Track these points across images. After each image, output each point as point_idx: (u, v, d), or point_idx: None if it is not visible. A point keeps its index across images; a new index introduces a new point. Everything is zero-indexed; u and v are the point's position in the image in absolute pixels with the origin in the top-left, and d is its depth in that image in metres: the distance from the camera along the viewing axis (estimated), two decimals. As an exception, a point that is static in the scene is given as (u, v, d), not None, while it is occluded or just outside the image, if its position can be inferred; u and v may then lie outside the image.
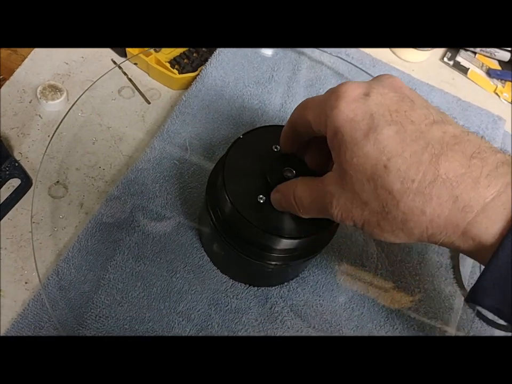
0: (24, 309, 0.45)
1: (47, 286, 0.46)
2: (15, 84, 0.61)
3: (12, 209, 0.51)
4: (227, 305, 0.49)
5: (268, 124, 0.47)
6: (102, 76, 0.59)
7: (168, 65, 0.63)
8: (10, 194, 0.52)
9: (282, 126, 0.41)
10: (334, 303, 0.51)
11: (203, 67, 0.65)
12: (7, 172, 0.53)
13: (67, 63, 0.64)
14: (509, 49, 0.81)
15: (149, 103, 0.62)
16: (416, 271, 0.55)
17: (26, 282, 0.48)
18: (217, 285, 0.50)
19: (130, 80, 0.63)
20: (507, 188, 0.29)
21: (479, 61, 0.82)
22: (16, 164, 0.54)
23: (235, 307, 0.49)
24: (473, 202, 0.29)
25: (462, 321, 0.53)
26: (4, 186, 0.52)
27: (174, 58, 0.65)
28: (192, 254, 0.51)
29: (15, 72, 0.62)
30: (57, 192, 0.53)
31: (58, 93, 0.59)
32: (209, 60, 0.65)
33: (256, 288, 0.50)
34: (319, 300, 0.51)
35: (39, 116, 0.59)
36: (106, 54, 0.66)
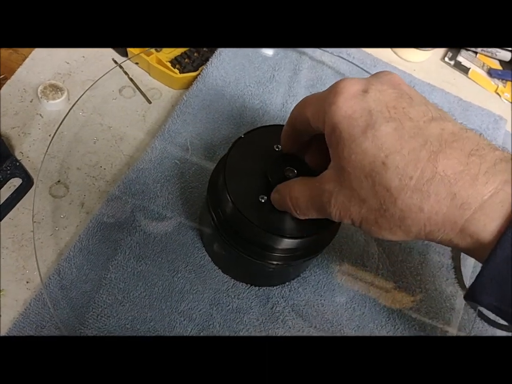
0: (25, 308, 0.45)
1: (49, 286, 0.46)
2: (16, 83, 0.61)
3: (13, 209, 0.51)
4: (228, 305, 0.49)
5: (269, 124, 0.47)
6: (103, 75, 0.59)
7: (169, 64, 0.63)
8: (11, 194, 0.52)
9: (283, 125, 0.41)
10: (335, 303, 0.51)
11: (204, 67, 0.64)
12: (8, 172, 0.53)
13: (68, 63, 0.64)
14: (510, 49, 0.81)
15: (150, 102, 0.62)
16: (418, 271, 0.55)
17: (27, 282, 0.48)
18: (218, 284, 0.50)
19: (131, 79, 0.63)
20: (505, 185, 0.29)
21: (480, 60, 0.82)
22: (17, 164, 0.54)
23: (236, 307, 0.49)
24: (471, 199, 0.29)
25: (463, 322, 0.53)
26: (5, 185, 0.52)
27: (175, 58, 0.64)
28: (193, 253, 0.51)
29: (16, 72, 0.62)
30: (58, 192, 0.53)
31: (59, 92, 0.59)
32: (210, 59, 0.65)
33: (257, 288, 0.50)
34: (320, 300, 0.51)
35: (40, 115, 0.59)
36: (107, 53, 0.66)
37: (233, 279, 0.50)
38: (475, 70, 0.81)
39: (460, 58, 0.81)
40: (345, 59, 0.71)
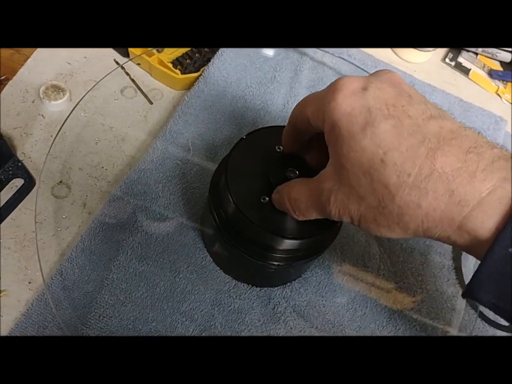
0: (27, 309, 0.45)
1: (51, 286, 0.46)
2: (18, 84, 0.61)
3: (15, 209, 0.51)
4: (230, 306, 0.49)
5: (270, 125, 0.47)
6: (105, 76, 0.59)
7: (170, 65, 0.63)
8: (13, 194, 0.52)
9: (285, 126, 0.42)
10: (336, 304, 0.51)
11: (205, 67, 0.65)
12: (10, 172, 0.53)
13: (70, 63, 0.64)
14: (511, 50, 0.81)
15: (152, 103, 0.62)
16: (419, 272, 0.55)
17: (29, 282, 0.48)
18: (220, 285, 0.50)
19: (132, 80, 0.63)
20: (503, 182, 0.29)
21: (481, 61, 0.83)
22: (19, 164, 0.54)
23: (238, 307, 0.49)
24: (469, 196, 0.29)
25: (464, 322, 0.53)
26: (7, 186, 0.52)
27: (177, 59, 0.65)
28: (195, 254, 0.51)
29: (18, 72, 0.62)
30: (60, 192, 0.53)
31: (61, 92, 0.59)
32: (212, 60, 0.65)
33: (259, 288, 0.50)
34: (322, 300, 0.51)
35: (42, 115, 0.59)
36: (109, 54, 0.66)
37: (234, 280, 0.50)
38: (476, 71, 0.81)
39: (460, 59, 0.81)
40: (346, 60, 0.71)
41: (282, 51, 0.69)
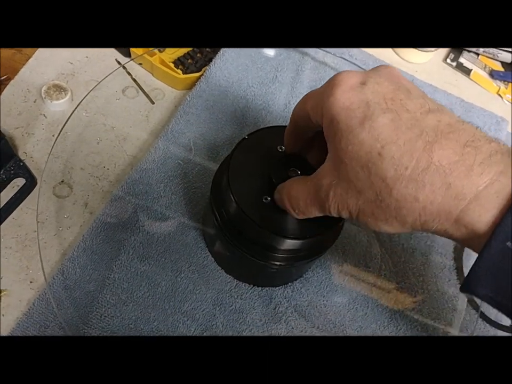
0: (29, 308, 0.45)
1: (52, 286, 0.46)
2: (20, 84, 0.61)
3: (17, 209, 0.51)
4: (231, 305, 0.49)
5: (271, 124, 0.47)
6: (107, 76, 0.59)
7: (172, 65, 0.63)
8: (15, 194, 0.52)
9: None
10: (337, 304, 0.51)
11: (207, 67, 0.65)
12: (12, 171, 0.53)
13: (71, 63, 0.64)
14: (512, 50, 0.82)
15: (153, 103, 0.63)
16: (420, 272, 0.55)
17: (31, 282, 0.48)
18: (221, 285, 0.50)
19: (134, 80, 0.63)
20: (501, 176, 0.29)
21: (482, 62, 0.83)
22: (21, 164, 0.54)
23: (239, 307, 0.49)
24: (466, 189, 0.29)
25: (465, 322, 0.53)
26: (9, 185, 0.52)
27: (178, 59, 0.65)
28: (196, 254, 0.51)
29: (19, 72, 0.62)
30: (61, 192, 0.53)
31: (62, 92, 0.59)
32: (213, 60, 0.65)
33: (260, 288, 0.50)
34: (323, 301, 0.51)
35: (44, 115, 0.59)
36: (111, 54, 0.66)
37: (236, 280, 0.50)
38: (477, 71, 0.81)
39: (461, 59, 0.81)
40: (347, 60, 0.71)
41: (283, 51, 0.70)
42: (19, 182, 0.53)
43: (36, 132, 0.57)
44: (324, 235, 0.42)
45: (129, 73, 0.64)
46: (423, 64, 0.79)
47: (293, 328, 0.49)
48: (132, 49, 0.64)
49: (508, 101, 0.78)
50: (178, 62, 0.64)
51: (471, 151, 0.29)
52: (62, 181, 0.54)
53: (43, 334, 0.44)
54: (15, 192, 0.52)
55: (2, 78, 0.60)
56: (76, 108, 0.56)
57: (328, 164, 0.34)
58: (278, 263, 0.44)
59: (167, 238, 0.51)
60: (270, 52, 0.69)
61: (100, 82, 0.59)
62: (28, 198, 0.52)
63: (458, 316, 0.53)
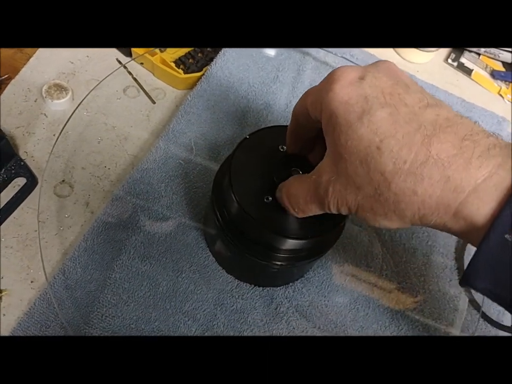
0: (30, 308, 0.45)
1: (53, 285, 0.46)
2: (20, 83, 0.61)
3: (18, 208, 0.51)
4: (232, 305, 0.49)
5: (272, 124, 0.47)
6: (108, 75, 0.59)
7: (173, 65, 0.63)
8: (15, 193, 0.52)
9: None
10: (339, 304, 0.51)
11: (208, 67, 0.65)
12: (13, 171, 0.53)
13: (72, 62, 0.64)
14: (513, 50, 0.82)
15: (154, 102, 0.62)
16: (421, 272, 0.55)
17: (32, 281, 0.48)
18: (222, 285, 0.50)
19: (135, 79, 0.63)
20: (499, 169, 0.29)
21: (483, 62, 0.82)
22: (22, 163, 0.54)
23: (240, 307, 0.49)
24: (465, 182, 0.29)
25: (467, 323, 0.53)
26: (10, 185, 0.52)
27: (179, 58, 0.65)
28: (197, 254, 0.51)
29: (20, 71, 0.62)
30: (62, 191, 0.53)
31: (63, 92, 0.59)
32: (214, 59, 0.65)
33: (261, 288, 0.50)
34: (324, 301, 0.51)
35: (44, 114, 0.59)
36: (112, 53, 0.66)
37: (237, 280, 0.50)
38: (478, 71, 0.81)
39: (463, 59, 0.81)
40: (348, 60, 0.71)
41: (285, 51, 0.69)
42: (20, 181, 0.53)
43: (36, 131, 0.57)
44: (325, 235, 0.42)
45: (130, 73, 0.64)
46: (424, 64, 0.79)
47: (294, 328, 0.49)
48: (133, 49, 0.64)
49: (509, 101, 0.78)
50: (179, 62, 0.64)
51: (470, 145, 0.29)
52: (63, 181, 0.54)
53: (44, 333, 0.44)
54: (16, 191, 0.52)
55: (3, 77, 0.60)
56: (77, 107, 0.56)
57: (327, 160, 0.34)
58: (279, 263, 0.44)
59: (168, 238, 0.51)
60: (271, 51, 0.69)
61: (100, 81, 0.59)
62: (28, 197, 0.52)
63: (459, 316, 0.53)
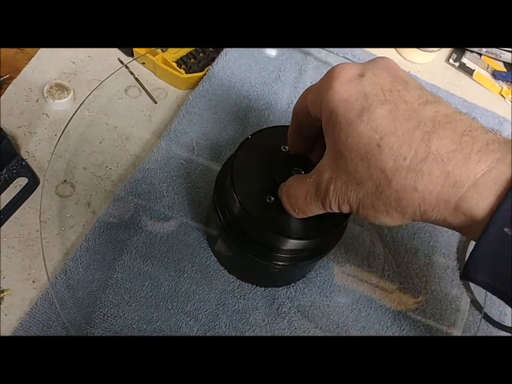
0: (32, 308, 0.45)
1: (55, 285, 0.46)
2: (22, 83, 0.61)
3: (19, 208, 0.51)
4: (234, 306, 0.49)
5: (274, 124, 0.47)
6: (109, 75, 0.59)
7: (175, 64, 0.63)
8: (17, 193, 0.52)
9: (290, 126, 0.42)
10: (340, 304, 0.51)
11: (210, 67, 0.65)
12: (14, 171, 0.53)
13: (74, 62, 0.64)
14: (514, 51, 0.81)
15: (156, 102, 0.62)
16: (423, 273, 0.55)
17: (33, 281, 0.48)
18: (224, 285, 0.50)
19: (137, 79, 0.63)
20: (498, 163, 0.29)
21: (485, 62, 0.82)
22: (23, 163, 0.54)
23: (242, 307, 0.49)
24: (464, 177, 0.29)
25: (469, 323, 0.53)
26: (11, 185, 0.52)
27: (181, 58, 0.65)
28: (199, 254, 0.51)
29: (22, 71, 0.62)
30: (64, 191, 0.53)
31: (65, 91, 0.59)
32: (216, 59, 0.65)
33: (263, 288, 0.50)
34: (326, 301, 0.51)
35: (46, 114, 0.59)
36: (113, 53, 0.66)
37: (239, 280, 0.50)
38: (479, 71, 0.81)
39: (464, 60, 0.81)
40: (350, 60, 0.71)
41: (286, 51, 0.69)
42: (21, 181, 0.53)
43: (38, 131, 0.57)
44: (327, 235, 0.42)
45: (131, 73, 0.64)
46: (425, 64, 0.79)
47: (295, 328, 0.49)
48: (135, 49, 0.64)
49: (510, 102, 0.78)
50: (181, 62, 0.64)
51: (469, 140, 0.29)
52: (65, 181, 0.54)
53: (46, 333, 0.44)
54: (18, 191, 0.52)
55: (4, 77, 0.60)
56: (78, 107, 0.56)
57: (327, 159, 0.34)
58: (281, 263, 0.44)
59: (170, 238, 0.51)
60: (272, 51, 0.69)
61: (102, 81, 0.59)
62: (30, 197, 0.52)
63: (461, 316, 0.53)
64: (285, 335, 0.48)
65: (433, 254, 0.56)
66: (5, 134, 0.52)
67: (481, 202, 0.29)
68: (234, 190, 0.41)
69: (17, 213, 0.51)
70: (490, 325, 0.54)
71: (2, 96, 0.59)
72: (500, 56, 0.82)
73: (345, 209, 0.34)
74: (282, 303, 0.50)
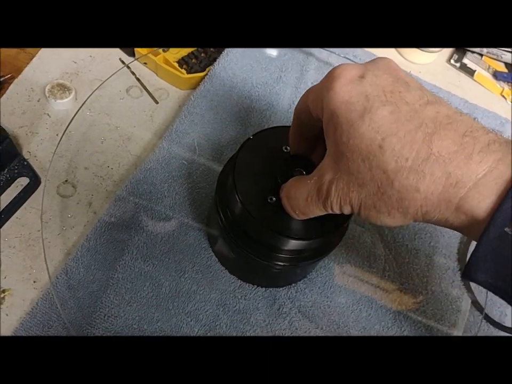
0: (32, 308, 0.45)
1: (56, 285, 0.46)
2: (24, 83, 0.61)
3: (20, 208, 0.51)
4: (235, 306, 0.49)
5: (276, 125, 0.47)
6: (111, 75, 0.59)
7: (176, 65, 0.63)
8: (18, 193, 0.52)
9: (292, 126, 0.42)
10: (341, 305, 0.51)
11: (211, 67, 0.65)
12: (16, 171, 0.53)
13: (75, 62, 0.64)
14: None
15: (157, 102, 0.62)
16: (424, 273, 0.55)
17: (34, 281, 0.48)
18: (225, 285, 0.50)
19: (138, 79, 0.63)
20: (499, 163, 0.29)
21: (486, 63, 0.82)
22: (25, 163, 0.54)
23: (243, 308, 0.49)
24: (466, 178, 0.29)
25: (469, 324, 0.53)
26: (13, 184, 0.52)
27: (182, 58, 0.65)
28: (200, 254, 0.51)
29: (23, 71, 0.62)
30: (65, 191, 0.53)
31: (66, 91, 0.59)
32: (218, 60, 0.65)
33: (264, 289, 0.50)
34: (327, 301, 0.51)
35: (48, 114, 0.59)
36: (115, 53, 0.66)
37: (240, 280, 0.50)
38: (481, 72, 0.80)
39: (465, 60, 0.81)
40: (351, 60, 0.71)
41: (288, 51, 0.69)
42: (23, 181, 0.53)
43: (39, 131, 0.57)
44: (328, 236, 0.42)
45: (133, 73, 0.64)
46: (427, 65, 0.79)
47: (296, 328, 0.49)
48: (136, 49, 0.64)
49: (511, 102, 0.78)
50: (183, 62, 0.64)
51: (470, 141, 0.29)
52: (66, 181, 0.54)
53: (46, 333, 0.44)
54: (19, 191, 0.52)
55: (6, 77, 0.60)
56: (80, 108, 0.56)
57: (328, 160, 0.34)
58: (282, 263, 0.44)
59: (171, 238, 0.51)
60: (274, 52, 0.69)
61: (104, 81, 0.59)
62: (31, 197, 0.52)
63: (462, 317, 0.53)
64: (286, 335, 0.48)
65: (434, 255, 0.56)
66: (7, 134, 0.52)
67: (482, 202, 0.29)
68: (236, 190, 0.41)
69: (18, 213, 0.51)
70: (490, 326, 0.54)
71: (4, 96, 0.59)
72: (501, 57, 0.82)
73: (347, 210, 0.34)
74: (283, 304, 0.50)
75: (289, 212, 0.39)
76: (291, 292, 0.51)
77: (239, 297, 0.49)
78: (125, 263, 0.49)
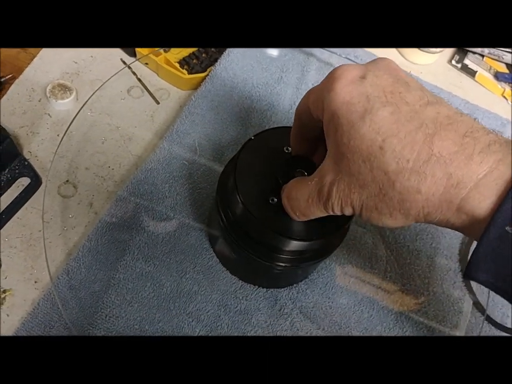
0: (34, 308, 0.45)
1: (58, 285, 0.46)
2: (24, 83, 0.61)
3: (21, 208, 0.51)
4: (236, 307, 0.49)
5: (277, 125, 0.47)
6: (112, 76, 0.59)
7: (177, 65, 0.63)
8: (19, 193, 0.52)
9: (293, 127, 0.42)
10: (343, 305, 0.51)
11: (212, 67, 0.65)
12: (17, 171, 0.53)
13: (76, 62, 0.64)
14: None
15: (158, 103, 0.62)
16: (425, 274, 0.54)
17: (36, 282, 0.48)
18: (226, 286, 0.50)
19: (139, 80, 0.63)
20: (499, 164, 0.29)
21: (487, 64, 0.82)
22: (26, 163, 0.54)
23: (244, 308, 0.49)
24: (466, 178, 0.29)
25: (471, 325, 0.53)
26: (14, 185, 0.52)
27: (183, 59, 0.65)
28: (201, 254, 0.51)
29: (24, 71, 0.62)
30: (66, 192, 0.53)
31: (67, 92, 0.59)
32: (219, 60, 0.65)
33: (265, 289, 0.50)
34: (328, 302, 0.51)
35: (48, 114, 0.59)
36: (116, 53, 0.66)
37: (241, 281, 0.50)
38: (482, 73, 0.80)
39: (466, 61, 0.81)
40: (352, 61, 0.71)
41: (288, 52, 0.69)
42: (24, 181, 0.53)
43: (40, 131, 0.57)
44: (329, 237, 0.42)
45: (134, 73, 0.64)
46: (428, 65, 0.79)
47: (297, 329, 0.49)
48: (137, 49, 0.64)
49: (513, 103, 0.78)
50: (184, 62, 0.64)
51: (470, 141, 0.29)
52: (67, 181, 0.54)
53: (48, 334, 0.44)
54: (20, 191, 0.52)
55: (7, 77, 0.60)
56: (81, 108, 0.56)
57: (329, 161, 0.34)
58: (283, 264, 0.43)
59: (172, 238, 0.51)
60: (275, 52, 0.69)
61: (105, 82, 0.59)
62: (32, 197, 0.52)
63: (464, 318, 0.53)
64: (287, 336, 0.48)
65: (436, 256, 0.56)
66: (7, 134, 0.52)
67: (483, 202, 0.29)
68: (237, 190, 0.41)
69: (19, 213, 0.51)
70: (492, 327, 0.54)
71: (5, 96, 0.59)
72: (502, 58, 0.82)
73: (348, 212, 0.34)
74: (284, 304, 0.50)
75: (290, 213, 0.39)
76: (292, 293, 0.51)
77: (240, 297, 0.49)
78: (126, 264, 0.48)
